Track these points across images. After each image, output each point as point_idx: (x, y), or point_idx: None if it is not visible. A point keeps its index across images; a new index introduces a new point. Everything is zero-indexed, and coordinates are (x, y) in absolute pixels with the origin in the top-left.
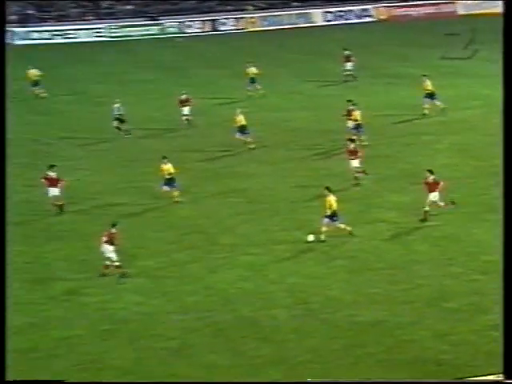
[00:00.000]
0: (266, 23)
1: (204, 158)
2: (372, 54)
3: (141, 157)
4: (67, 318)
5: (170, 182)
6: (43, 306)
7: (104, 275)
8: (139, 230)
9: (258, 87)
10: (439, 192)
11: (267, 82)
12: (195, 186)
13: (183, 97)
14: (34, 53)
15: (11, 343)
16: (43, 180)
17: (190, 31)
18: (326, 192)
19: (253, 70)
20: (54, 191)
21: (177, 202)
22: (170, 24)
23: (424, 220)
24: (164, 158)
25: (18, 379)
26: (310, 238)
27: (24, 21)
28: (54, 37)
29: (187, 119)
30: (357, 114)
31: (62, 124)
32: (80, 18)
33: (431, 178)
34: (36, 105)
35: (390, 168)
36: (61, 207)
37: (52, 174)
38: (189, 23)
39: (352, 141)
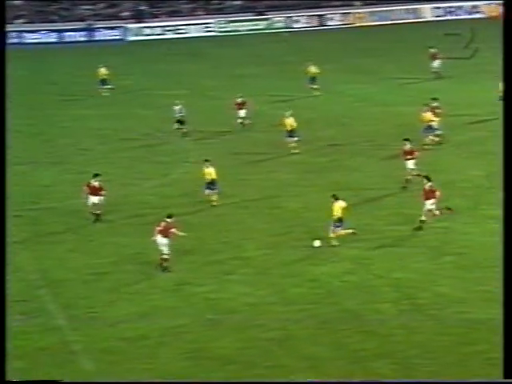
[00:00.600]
0: (374, 18)
1: (310, 152)
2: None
3: (250, 150)
4: (175, 307)
5: (211, 185)
6: (152, 295)
7: (165, 269)
8: (247, 222)
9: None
10: (436, 200)
11: (375, 77)
12: (302, 179)
13: (239, 100)
14: (144, 48)
15: (119, 332)
16: (85, 187)
17: (296, 26)
18: (333, 199)
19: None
20: (94, 199)
21: (214, 205)
22: (277, 19)
23: (419, 228)
24: (206, 161)
25: (17, 380)
26: (317, 243)
27: (137, 17)
28: (166, 32)
29: (242, 122)
30: (439, 112)
31: (170, 118)
32: (191, 13)
33: (428, 185)
34: (147, 99)
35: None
36: (98, 216)
37: (95, 183)
38: (296, 18)
39: (407, 140)
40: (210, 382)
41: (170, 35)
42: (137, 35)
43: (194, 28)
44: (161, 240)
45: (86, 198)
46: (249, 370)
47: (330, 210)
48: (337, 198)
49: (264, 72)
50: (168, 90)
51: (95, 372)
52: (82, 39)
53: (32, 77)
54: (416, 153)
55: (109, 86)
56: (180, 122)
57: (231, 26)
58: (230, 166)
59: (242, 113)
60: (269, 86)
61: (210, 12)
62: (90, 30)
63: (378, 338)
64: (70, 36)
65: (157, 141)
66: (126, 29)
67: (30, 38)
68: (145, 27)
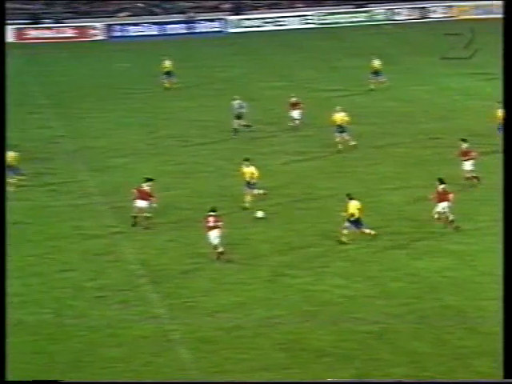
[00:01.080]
0: (479, 12)
1: (412, 145)
2: None
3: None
4: (271, 298)
5: (251, 184)
6: (249, 286)
7: (227, 261)
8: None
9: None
10: (449, 202)
11: (477, 71)
12: (403, 172)
13: (293, 100)
14: (244, 40)
15: (217, 321)
16: (135, 191)
17: (398, 18)
18: (347, 199)
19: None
20: (142, 203)
21: (246, 207)
22: (378, 11)
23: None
24: (246, 160)
25: (17, 380)
26: (259, 214)
27: (237, 10)
28: (265, 24)
29: (294, 123)
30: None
31: (270, 109)
32: (290, 5)
33: (441, 187)
34: (247, 91)
35: None
36: (136, 220)
37: (146, 188)
38: (397, 10)
39: (464, 141)
40: (211, 382)
41: (269, 27)
42: (236, 27)
43: (293, 20)
44: (211, 233)
45: (134, 201)
46: (345, 363)
47: (345, 208)
48: (351, 198)
49: (363, 64)
50: (268, 82)
51: (192, 360)
52: (183, 31)
53: (135, 69)
54: (473, 153)
55: (172, 79)
56: (238, 117)
57: (330, 18)
58: (327, 158)
59: (296, 113)
60: (368, 77)
61: (310, 4)
62: (190, 22)
63: (480, 336)
64: (171, 28)
65: (257, 133)
66: (226, 21)
67: (134, 30)
68: (245, 19)
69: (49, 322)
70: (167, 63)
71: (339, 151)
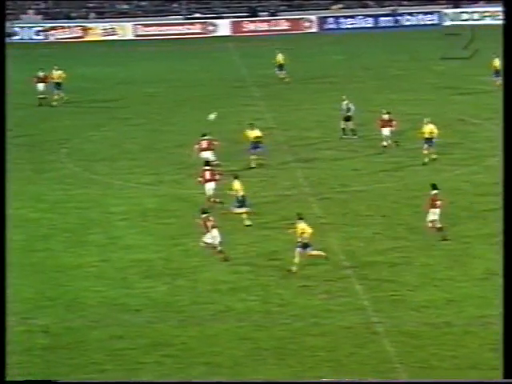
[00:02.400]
0: None
1: None
2: None
3: None
4: (483, 297)
5: None
6: (461, 283)
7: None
8: None
9: None
10: (439, 209)
11: None
12: None
13: (385, 117)
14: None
15: (424, 316)
16: (202, 175)
17: None
18: (297, 220)
19: None
20: (211, 186)
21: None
22: None
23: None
24: None
25: (18, 380)
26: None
27: (454, 2)
28: (484, 18)
29: (385, 145)
30: None
31: (488, 105)
32: None
33: (433, 193)
34: (462, 85)
35: None
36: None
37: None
38: None
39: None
40: (212, 382)
41: (487, 21)
42: (453, 20)
43: None
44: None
45: (203, 185)
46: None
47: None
48: (300, 218)
49: None
50: (482, 76)
51: (396, 354)
52: (395, 24)
53: (347, 61)
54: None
55: (284, 72)
56: (347, 119)
57: None
58: None
59: (386, 131)
60: None
61: None
62: (403, 14)
63: None
64: (383, 21)
65: (471, 127)
66: (443, 14)
67: (347, 23)
68: (462, 12)
69: (255, 309)
70: (279, 57)
71: None
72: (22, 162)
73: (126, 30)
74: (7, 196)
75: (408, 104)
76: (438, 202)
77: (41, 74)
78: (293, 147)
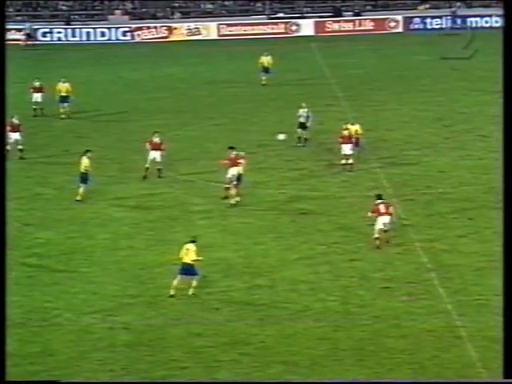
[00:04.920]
0: None
1: None
2: None
3: None
4: None
5: None
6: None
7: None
8: None
9: None
10: (390, 217)
11: None
12: None
13: None
14: None
15: None
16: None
17: None
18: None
19: None
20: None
21: None
22: None
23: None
24: None
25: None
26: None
27: None
28: None
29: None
30: None
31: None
32: None
33: (379, 201)
34: None
35: None
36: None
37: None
38: None
39: None
40: (211, 382)
41: None
42: None
43: None
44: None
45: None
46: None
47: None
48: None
49: None
50: None
51: (480, 359)
52: (482, 25)
53: (434, 62)
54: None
55: (269, 75)
56: (303, 127)
57: None
58: None
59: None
60: None
61: None
62: (492, 16)
63: None
64: (470, 22)
65: None
66: None
67: (433, 23)
68: None
69: (335, 309)
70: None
71: None
72: (106, 161)
73: (210, 29)
74: (7, 196)
75: (494, 106)
76: (390, 208)
77: (36, 83)
78: (376, 148)
